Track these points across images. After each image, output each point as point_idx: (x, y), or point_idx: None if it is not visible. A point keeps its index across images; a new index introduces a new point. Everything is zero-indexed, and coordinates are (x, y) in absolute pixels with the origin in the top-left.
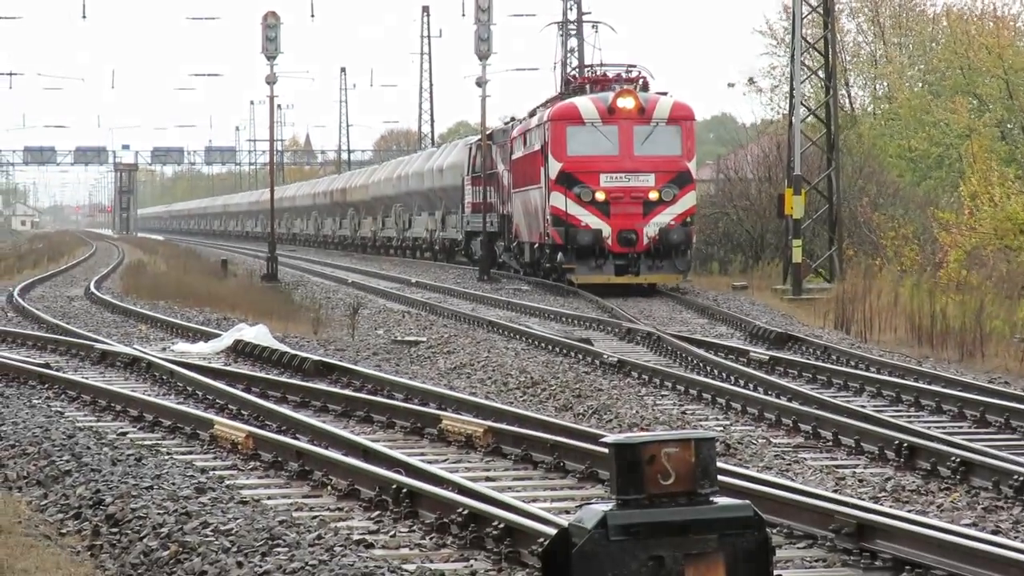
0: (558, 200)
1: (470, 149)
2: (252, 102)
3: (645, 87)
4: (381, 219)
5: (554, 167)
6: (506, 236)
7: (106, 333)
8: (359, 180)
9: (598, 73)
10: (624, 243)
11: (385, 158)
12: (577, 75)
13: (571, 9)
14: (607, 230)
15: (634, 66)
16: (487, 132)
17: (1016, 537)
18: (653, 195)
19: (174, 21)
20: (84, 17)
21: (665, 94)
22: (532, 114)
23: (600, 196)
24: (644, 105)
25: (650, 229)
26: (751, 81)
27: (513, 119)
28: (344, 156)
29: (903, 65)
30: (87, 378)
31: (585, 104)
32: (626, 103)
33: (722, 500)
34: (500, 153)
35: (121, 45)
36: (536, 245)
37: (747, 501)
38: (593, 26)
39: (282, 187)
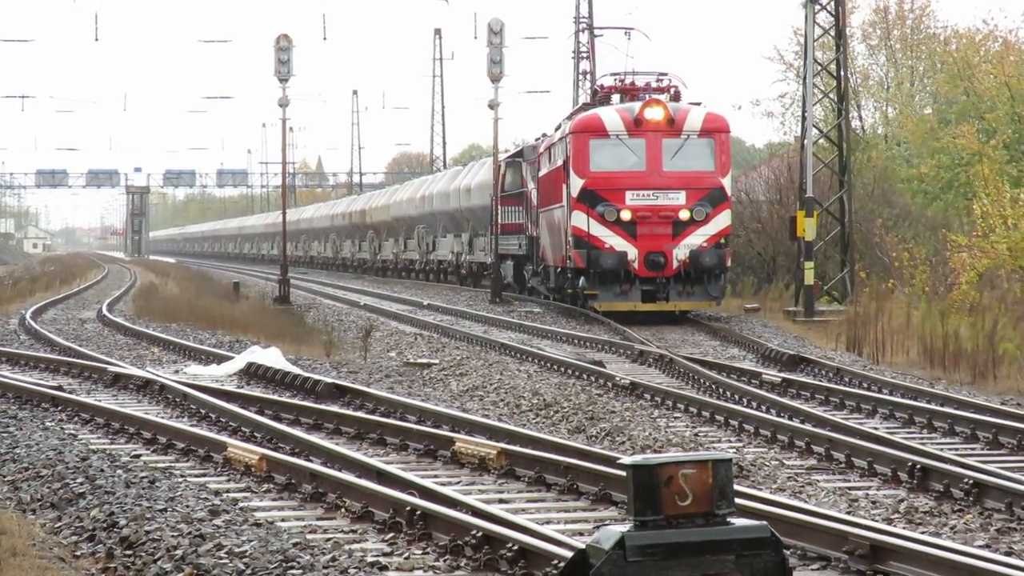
0: (580, 220)
1: (500, 167)
2: (264, 124)
3: (677, 97)
4: (403, 241)
5: (576, 184)
6: (534, 259)
7: (119, 356)
8: (380, 201)
9: (626, 82)
10: (652, 267)
11: (396, 180)
12: (604, 84)
13: (583, 30)
14: (633, 252)
15: (665, 74)
16: (519, 148)
17: None
18: (684, 214)
19: (186, 44)
20: (96, 40)
21: (698, 104)
22: (558, 128)
23: (626, 215)
24: (674, 116)
25: (680, 251)
26: (757, 103)
27: (544, 135)
28: (356, 179)
29: (911, 89)
30: (100, 400)
31: (610, 115)
32: (654, 114)
33: (739, 521)
34: (529, 171)
35: (133, 67)
36: (559, 269)
37: (764, 522)
38: (625, 32)
39: (298, 209)
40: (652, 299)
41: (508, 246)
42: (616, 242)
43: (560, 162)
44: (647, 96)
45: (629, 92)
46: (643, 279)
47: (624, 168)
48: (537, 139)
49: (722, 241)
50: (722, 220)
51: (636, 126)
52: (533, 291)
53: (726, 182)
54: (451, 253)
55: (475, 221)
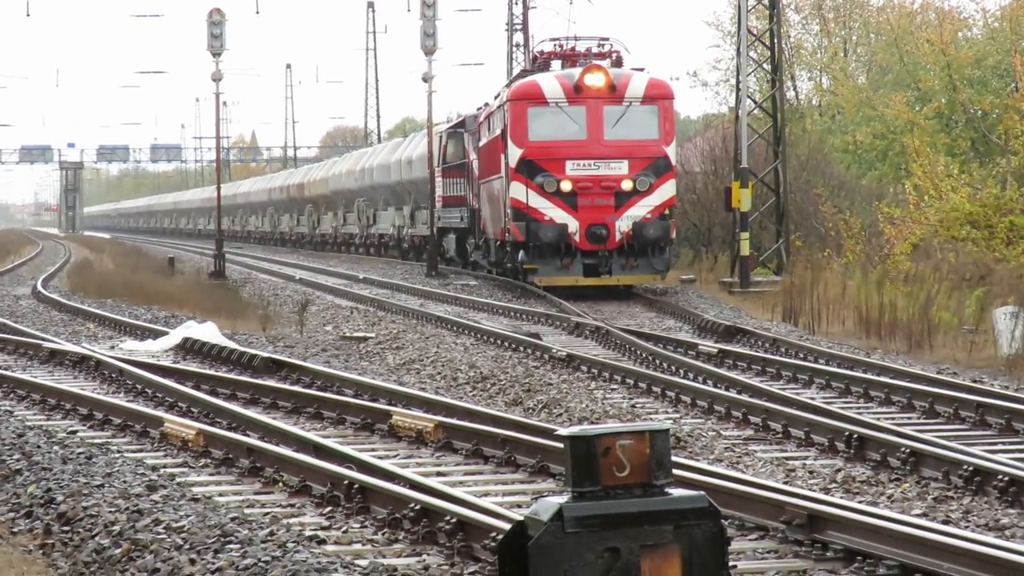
0: (518, 191)
1: (440, 138)
2: (197, 99)
3: (619, 63)
4: (343, 215)
5: (514, 154)
6: (476, 232)
7: (54, 332)
8: (318, 174)
9: (566, 47)
10: (594, 239)
11: (331, 154)
12: (544, 50)
13: (517, 2)
14: (574, 225)
15: (607, 39)
16: (461, 119)
17: (966, 527)
18: (626, 184)
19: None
20: (28, 15)
21: (641, 70)
22: (497, 96)
23: (566, 186)
24: (616, 82)
25: (623, 223)
26: (694, 74)
27: (487, 105)
28: (290, 153)
29: (845, 59)
30: (36, 377)
31: (549, 82)
32: (595, 80)
33: (677, 491)
34: (471, 141)
35: (65, 43)
36: (499, 242)
37: (702, 492)
38: None
39: (235, 183)
40: (594, 273)
41: (450, 219)
42: (556, 214)
43: (498, 131)
44: (588, 62)
45: (569, 58)
46: (585, 252)
47: (564, 137)
48: (479, 109)
49: (666, 212)
50: (666, 190)
51: (576, 93)
52: (477, 265)
53: (670, 151)
54: (392, 227)
55: (417, 194)
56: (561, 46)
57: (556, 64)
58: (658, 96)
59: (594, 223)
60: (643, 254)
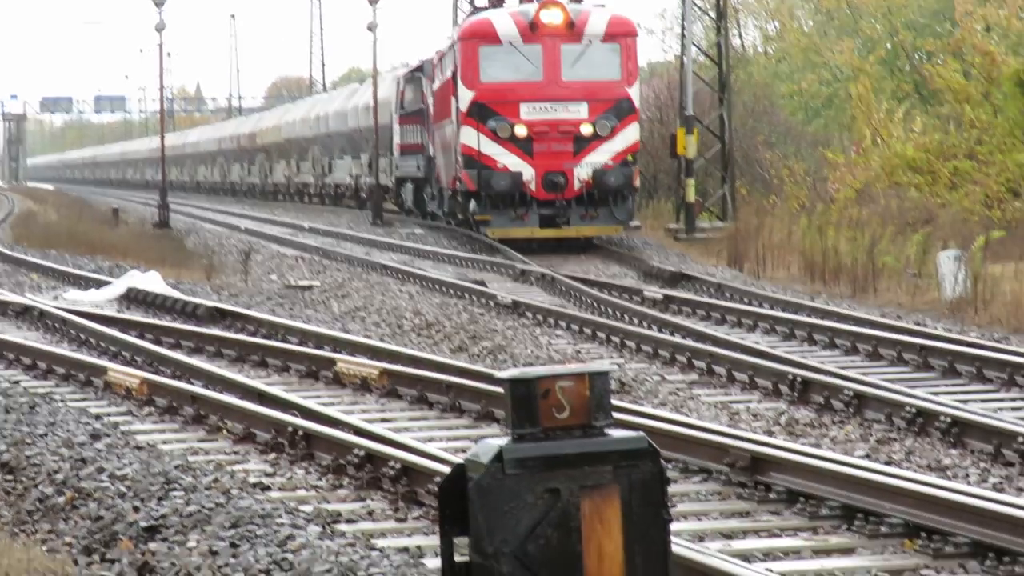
0: (469, 137)
1: (398, 83)
2: (141, 50)
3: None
4: (296, 164)
5: (465, 96)
6: (432, 181)
7: None
8: (270, 121)
9: None
10: (550, 188)
11: (276, 105)
12: None
13: None
14: (529, 172)
15: None
16: (419, 63)
17: (908, 467)
18: (586, 129)
19: None
20: None
21: (601, 6)
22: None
23: (520, 131)
24: (574, 19)
25: (582, 171)
26: (639, 24)
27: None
28: (235, 103)
29: (791, 4)
30: None
31: (502, 19)
32: (552, 17)
33: (617, 433)
34: (429, 86)
35: None
36: (451, 192)
37: (641, 433)
38: None
39: (184, 132)
40: (551, 224)
41: (407, 168)
42: (510, 161)
43: (449, 74)
44: None
45: None
46: (541, 202)
47: (519, 78)
48: (438, 52)
49: (629, 158)
50: (629, 135)
51: (532, 31)
52: (435, 216)
53: (633, 92)
54: (349, 176)
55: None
56: None
57: (511, 1)
58: (620, 33)
59: (551, 170)
60: (604, 203)
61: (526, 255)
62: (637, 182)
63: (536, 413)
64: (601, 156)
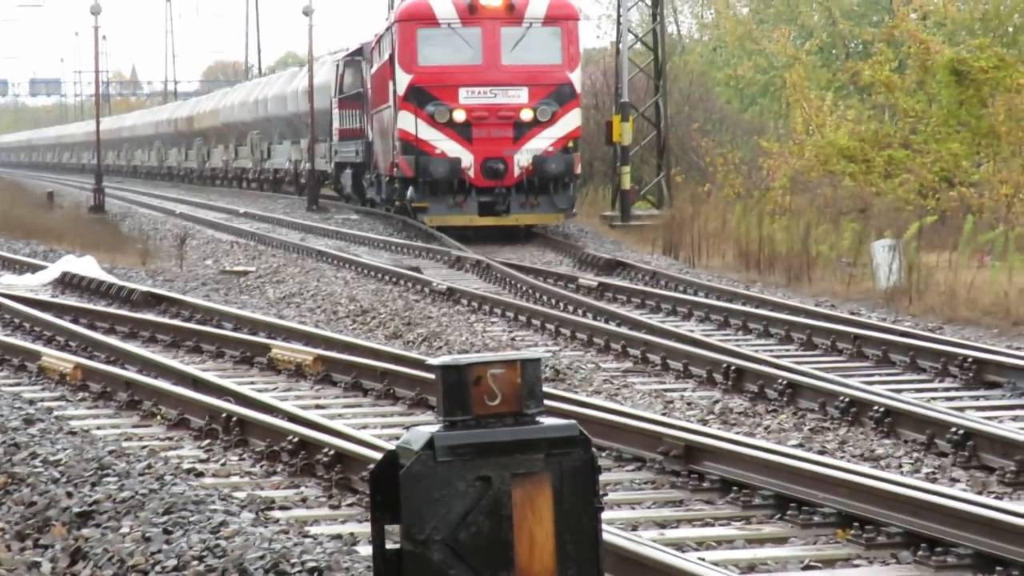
0: (407, 122)
1: (338, 67)
2: (77, 33)
3: None
4: (235, 148)
5: (402, 80)
6: (370, 167)
7: None
8: (207, 106)
9: None
10: (490, 175)
11: (212, 89)
12: None
13: None
14: (468, 159)
15: None
16: (359, 47)
17: (841, 457)
18: (526, 114)
19: None
20: None
21: None
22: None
23: (459, 116)
24: (514, 2)
25: (522, 157)
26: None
27: None
28: (171, 87)
29: None
30: None
31: (440, 1)
32: None
33: (548, 420)
34: (368, 70)
35: None
36: (388, 178)
37: (573, 421)
38: None
39: (120, 116)
40: (491, 212)
41: (347, 153)
42: (448, 147)
43: (387, 56)
44: None
45: None
46: (480, 189)
47: (457, 62)
48: (377, 35)
49: (570, 145)
50: (571, 120)
51: (471, 13)
52: (375, 203)
53: (575, 77)
54: (288, 161)
55: (315, 127)
56: None
57: None
58: (561, 16)
59: (490, 157)
60: (544, 191)
61: (463, 243)
62: (579, 169)
63: (468, 400)
64: (542, 142)
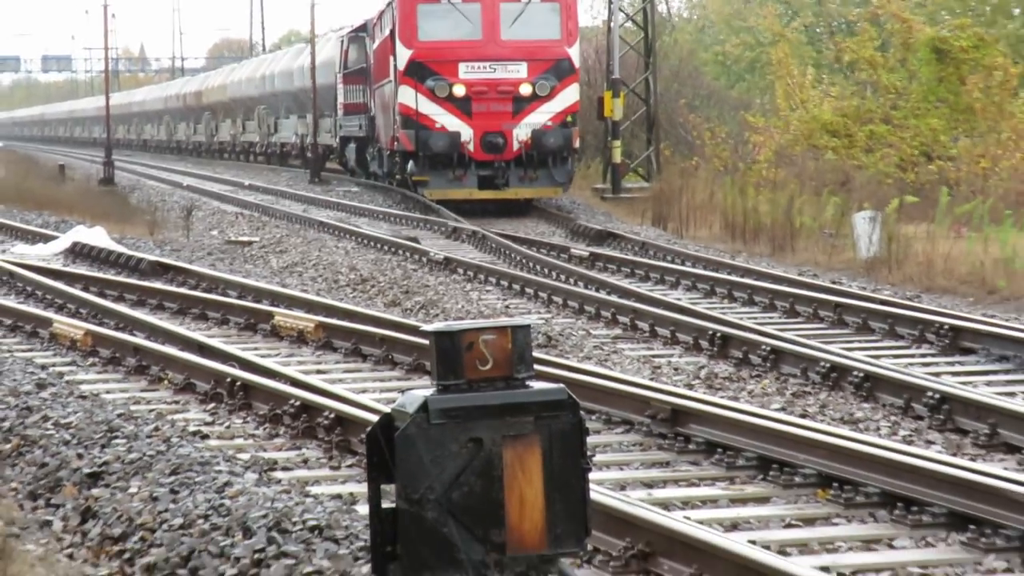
0: (407, 96)
1: (342, 43)
2: (87, 11)
3: None
4: (242, 122)
5: (403, 55)
6: (373, 141)
7: None
8: (216, 81)
9: None
10: (489, 149)
11: (217, 66)
12: None
13: None
14: (468, 133)
15: None
16: (363, 23)
17: (822, 420)
18: (525, 89)
19: None
20: None
21: None
22: None
23: (459, 91)
24: None
25: (521, 131)
26: None
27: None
28: (178, 64)
29: None
30: None
31: None
32: None
33: (538, 384)
34: (371, 46)
35: None
36: (389, 152)
37: (561, 385)
38: None
39: (130, 92)
40: (490, 186)
41: (351, 128)
42: (448, 121)
43: (388, 32)
44: None
45: None
46: (480, 163)
47: (457, 37)
48: (379, 10)
49: (569, 119)
50: (569, 95)
51: None
52: (377, 176)
53: (573, 52)
54: (295, 135)
55: (320, 101)
56: None
57: None
58: None
59: (490, 131)
60: (543, 165)
61: (463, 215)
62: (577, 143)
63: (460, 365)
64: (540, 117)
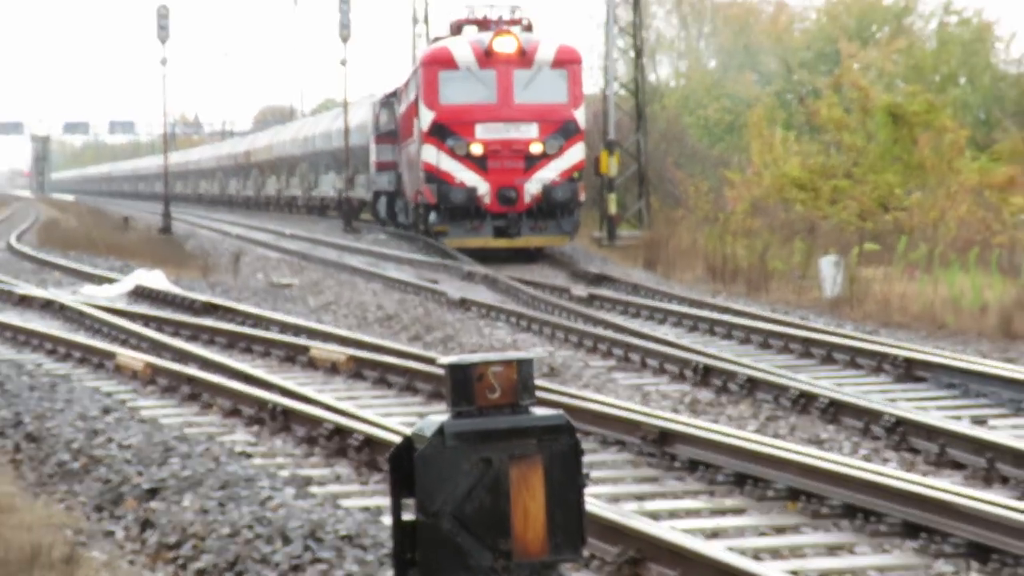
0: (429, 154)
1: (374, 107)
2: (148, 82)
3: (529, 29)
4: (286, 178)
5: (426, 117)
6: (400, 195)
7: (24, 279)
8: (263, 141)
9: (479, 15)
10: (503, 202)
11: (262, 129)
12: (458, 19)
13: None
14: (484, 187)
15: (518, 7)
16: (394, 90)
17: (792, 440)
18: (536, 148)
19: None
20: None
21: (551, 37)
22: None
23: (476, 149)
24: (525, 47)
25: (532, 186)
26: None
27: None
28: (228, 127)
29: (700, 47)
30: (8, 318)
31: (459, 46)
32: (505, 45)
33: (540, 411)
34: (399, 109)
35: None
36: (414, 205)
37: (561, 411)
38: None
39: (187, 151)
40: (504, 235)
41: (382, 183)
42: (467, 177)
43: (413, 96)
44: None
45: (482, 25)
46: (495, 215)
47: (475, 100)
48: (406, 80)
49: (575, 175)
50: (575, 153)
51: (487, 57)
52: (405, 226)
53: (579, 115)
54: (333, 189)
55: (355, 159)
56: (472, 12)
57: (471, 30)
58: (567, 61)
59: (504, 186)
60: (552, 216)
61: (479, 261)
62: (582, 197)
63: (472, 394)
64: (550, 173)
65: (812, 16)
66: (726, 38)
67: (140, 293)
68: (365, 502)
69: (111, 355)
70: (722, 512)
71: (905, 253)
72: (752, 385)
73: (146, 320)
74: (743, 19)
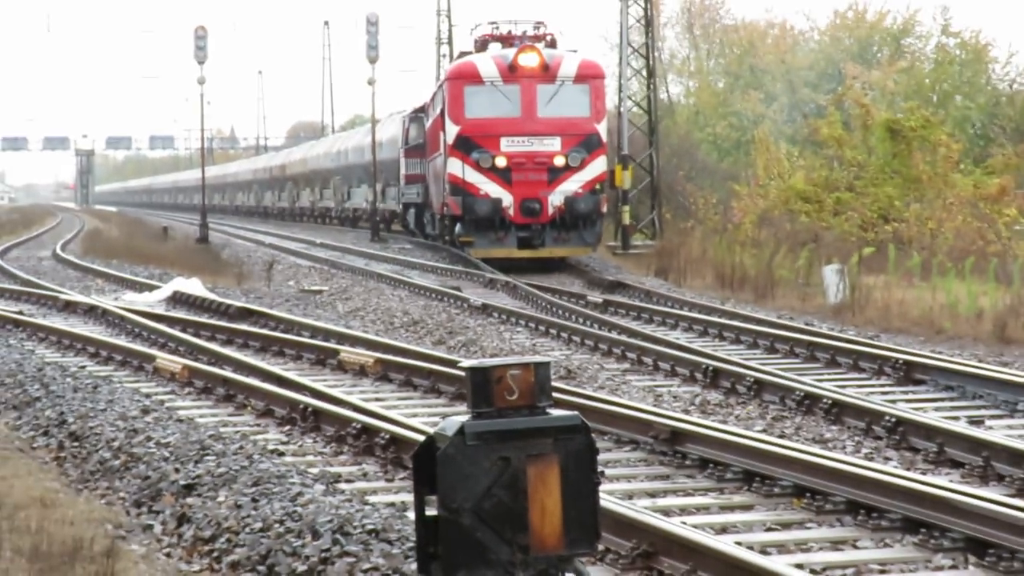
0: (455, 167)
1: (404, 122)
2: (187, 99)
3: (552, 45)
4: (319, 191)
5: (451, 131)
6: (427, 206)
7: (69, 286)
8: (297, 155)
9: (503, 31)
10: (527, 213)
11: (294, 144)
12: (483, 34)
13: (443, 21)
14: (508, 199)
15: (542, 22)
16: (423, 104)
17: (797, 440)
18: (559, 160)
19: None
20: (48, 31)
21: (574, 51)
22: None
23: (501, 162)
24: (549, 63)
25: (555, 198)
26: None
27: None
28: (262, 143)
29: (708, 67)
30: (53, 322)
31: (484, 62)
32: (529, 60)
33: (556, 412)
34: (427, 123)
35: (79, 52)
36: (440, 216)
37: (576, 412)
38: None
39: (225, 165)
40: (528, 246)
41: (411, 195)
42: (491, 189)
43: (439, 111)
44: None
45: (506, 40)
46: (519, 226)
47: (499, 114)
48: (433, 94)
49: (597, 187)
50: (597, 166)
51: (511, 72)
52: (432, 237)
53: (601, 128)
54: (365, 201)
55: (386, 172)
56: (498, 28)
57: (496, 47)
58: (590, 76)
59: (528, 198)
60: (574, 227)
61: (503, 271)
62: (604, 208)
63: (491, 396)
64: (572, 185)
65: (816, 37)
66: (732, 59)
67: (178, 299)
68: (391, 498)
69: (151, 358)
70: (731, 508)
71: (899, 263)
72: (759, 387)
73: (184, 325)
74: (749, 41)
